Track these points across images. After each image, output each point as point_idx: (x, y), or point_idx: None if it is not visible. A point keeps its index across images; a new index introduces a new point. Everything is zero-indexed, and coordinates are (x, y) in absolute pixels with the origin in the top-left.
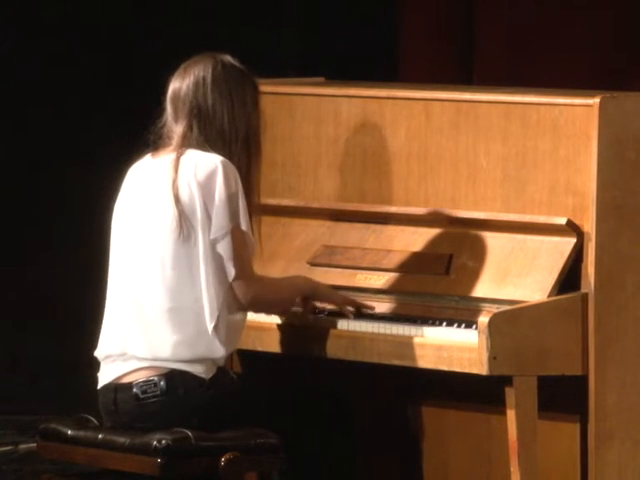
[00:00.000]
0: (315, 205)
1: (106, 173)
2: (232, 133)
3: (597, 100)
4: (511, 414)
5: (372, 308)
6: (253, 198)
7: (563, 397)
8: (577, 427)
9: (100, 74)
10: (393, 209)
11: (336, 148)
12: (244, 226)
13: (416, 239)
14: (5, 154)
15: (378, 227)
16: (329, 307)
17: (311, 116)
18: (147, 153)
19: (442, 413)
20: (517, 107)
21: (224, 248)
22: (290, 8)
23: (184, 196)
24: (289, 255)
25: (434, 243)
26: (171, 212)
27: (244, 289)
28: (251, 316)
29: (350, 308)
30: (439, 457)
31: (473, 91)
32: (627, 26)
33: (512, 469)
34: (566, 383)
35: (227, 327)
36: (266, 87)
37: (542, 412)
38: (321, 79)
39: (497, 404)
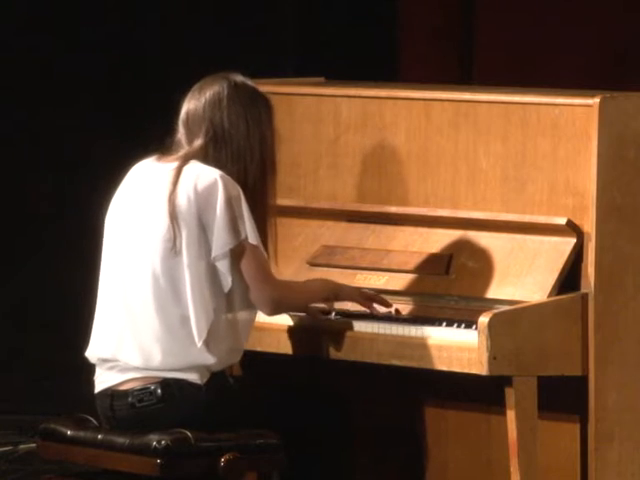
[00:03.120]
0: (315, 205)
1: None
2: (247, 154)
3: (597, 100)
4: (511, 414)
5: (391, 305)
6: (270, 215)
7: (563, 397)
8: (577, 427)
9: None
10: (393, 209)
11: (336, 148)
12: (252, 239)
13: (416, 239)
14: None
15: (378, 227)
16: (354, 307)
17: (311, 116)
18: (153, 154)
19: (442, 413)
20: (517, 107)
21: (225, 265)
22: (290, 8)
23: (181, 209)
24: (289, 255)
25: (434, 243)
26: (165, 222)
27: (265, 295)
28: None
29: (375, 306)
30: (439, 457)
31: (473, 91)
32: (626, 26)
33: (512, 469)
34: (566, 383)
35: (224, 337)
36: (266, 87)
37: (542, 412)
38: (321, 79)
39: (497, 404)
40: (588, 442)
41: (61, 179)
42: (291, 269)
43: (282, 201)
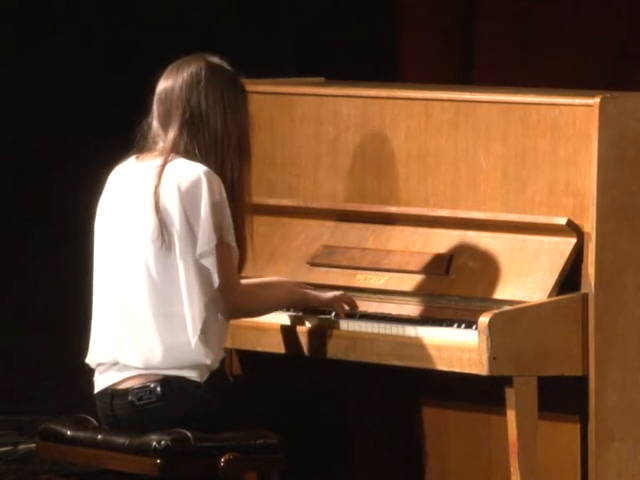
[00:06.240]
0: (315, 205)
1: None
2: (225, 138)
3: (597, 100)
4: (511, 414)
5: (357, 307)
6: (247, 200)
7: (563, 397)
8: (577, 427)
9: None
10: (393, 209)
11: (336, 148)
12: (228, 238)
13: (416, 239)
14: None
15: (378, 227)
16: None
17: (311, 116)
18: (131, 154)
19: (442, 413)
20: (517, 107)
21: (211, 262)
22: (290, 8)
23: (166, 206)
24: (289, 255)
25: (434, 243)
26: (152, 221)
27: (229, 300)
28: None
29: (344, 306)
30: (439, 457)
31: (473, 91)
32: (627, 26)
33: (512, 469)
34: (566, 383)
35: (216, 334)
36: (266, 87)
37: (542, 412)
38: (321, 79)
39: (497, 404)
40: (588, 442)
41: (59, 177)
42: (291, 269)
43: (282, 201)
